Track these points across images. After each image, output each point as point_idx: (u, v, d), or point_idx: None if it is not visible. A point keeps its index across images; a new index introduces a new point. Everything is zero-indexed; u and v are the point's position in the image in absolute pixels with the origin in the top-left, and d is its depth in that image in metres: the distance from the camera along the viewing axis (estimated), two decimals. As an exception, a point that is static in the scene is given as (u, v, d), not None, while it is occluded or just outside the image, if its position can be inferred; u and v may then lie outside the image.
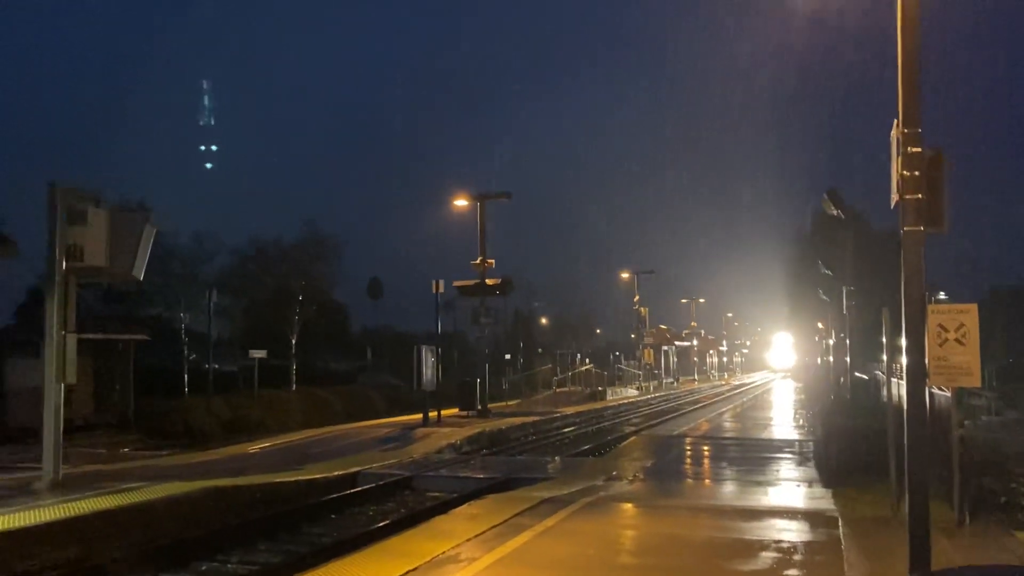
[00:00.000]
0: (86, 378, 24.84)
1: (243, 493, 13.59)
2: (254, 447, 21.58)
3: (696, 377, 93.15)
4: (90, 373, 26.07)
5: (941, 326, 7.90)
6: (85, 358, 18.60)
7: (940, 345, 7.88)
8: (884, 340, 11.75)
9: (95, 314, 32.81)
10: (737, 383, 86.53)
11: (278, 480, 14.67)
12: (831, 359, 30.43)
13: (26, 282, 41.76)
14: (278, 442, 22.67)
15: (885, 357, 12.21)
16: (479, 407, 31.60)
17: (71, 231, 13.24)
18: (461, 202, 33.55)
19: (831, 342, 30.85)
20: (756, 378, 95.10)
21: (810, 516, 10.89)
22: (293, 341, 41.27)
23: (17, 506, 11.29)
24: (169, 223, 14.43)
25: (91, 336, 23.49)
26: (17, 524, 10.07)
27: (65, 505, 11.34)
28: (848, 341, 24.17)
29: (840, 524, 10.24)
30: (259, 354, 34.24)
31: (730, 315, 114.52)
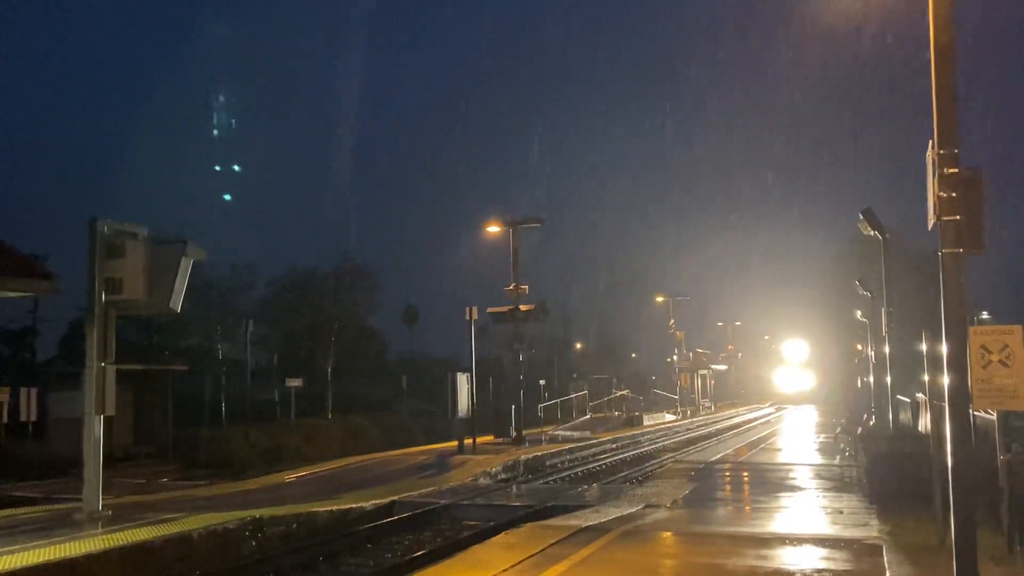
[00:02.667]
0: (126, 409, 25.15)
1: (280, 523, 13.61)
2: (291, 476, 21.65)
3: (734, 401, 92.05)
4: (130, 404, 26.40)
5: (984, 348, 7.72)
6: (124, 389, 18.85)
7: (983, 367, 7.71)
8: (925, 362, 11.54)
9: (134, 345, 33.28)
10: (777, 406, 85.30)
11: (314, 510, 14.68)
12: (871, 380, 29.93)
13: (68, 314, 42.59)
14: (315, 471, 22.73)
15: (926, 379, 11.97)
16: (514, 434, 31.46)
17: (110, 264, 13.44)
18: (494, 228, 33.62)
19: (871, 363, 30.36)
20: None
21: (854, 544, 10.65)
22: (329, 369, 41.53)
23: (58, 537, 11.39)
24: (204, 253, 14.49)
25: (130, 367, 23.83)
26: (57, 556, 10.16)
27: (104, 536, 11.43)
28: (888, 363, 23.77)
29: (885, 552, 10.01)
30: (296, 383, 34.47)
31: (767, 338, 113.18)
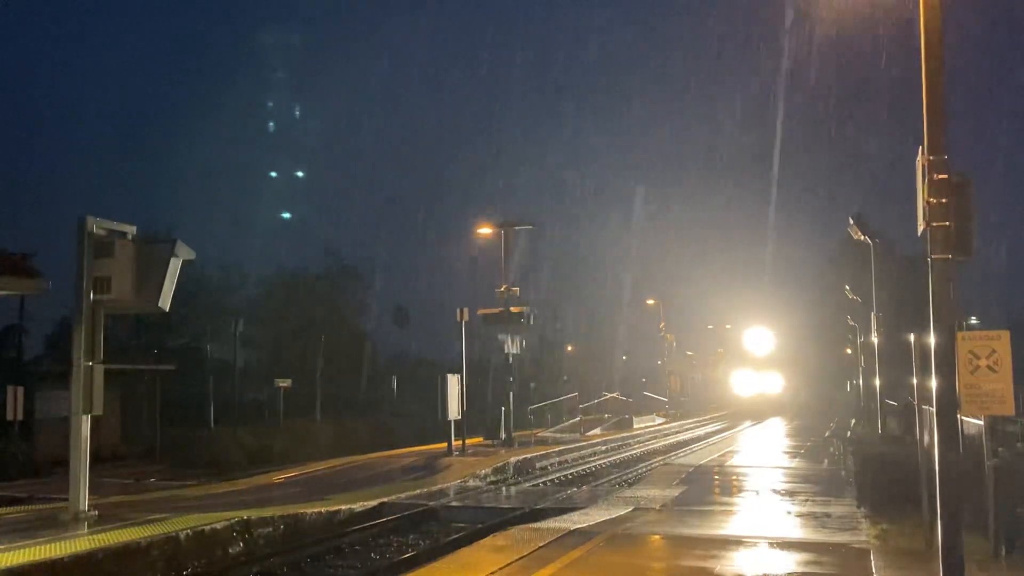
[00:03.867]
0: (113, 409, 25.00)
1: (267, 524, 13.56)
2: (279, 477, 21.58)
3: (722, 404, 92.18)
4: (117, 404, 26.23)
5: (972, 353, 7.74)
6: (112, 389, 18.70)
7: (971, 373, 7.72)
8: (914, 366, 11.57)
9: (123, 344, 33.11)
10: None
11: (302, 511, 14.62)
12: (860, 383, 30.06)
13: (55, 312, 42.32)
14: (303, 472, 22.66)
15: (915, 383, 12.00)
16: (504, 435, 31.44)
17: (98, 263, 13.36)
18: (485, 230, 33.60)
19: (860, 367, 30.48)
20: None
21: (841, 549, 10.67)
22: (319, 370, 41.43)
23: (43, 538, 11.31)
24: (193, 253, 14.41)
25: (118, 367, 23.68)
26: (42, 556, 10.09)
27: (90, 537, 11.36)
28: (877, 367, 23.87)
29: (872, 557, 10.03)
30: (285, 383, 34.38)
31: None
